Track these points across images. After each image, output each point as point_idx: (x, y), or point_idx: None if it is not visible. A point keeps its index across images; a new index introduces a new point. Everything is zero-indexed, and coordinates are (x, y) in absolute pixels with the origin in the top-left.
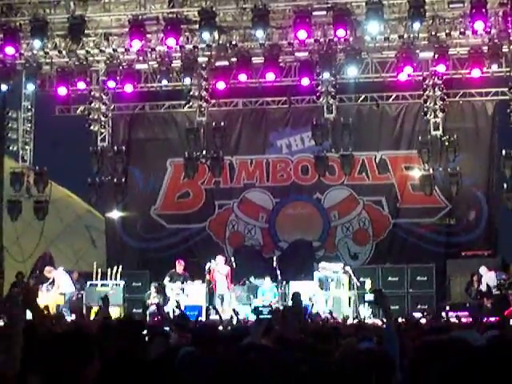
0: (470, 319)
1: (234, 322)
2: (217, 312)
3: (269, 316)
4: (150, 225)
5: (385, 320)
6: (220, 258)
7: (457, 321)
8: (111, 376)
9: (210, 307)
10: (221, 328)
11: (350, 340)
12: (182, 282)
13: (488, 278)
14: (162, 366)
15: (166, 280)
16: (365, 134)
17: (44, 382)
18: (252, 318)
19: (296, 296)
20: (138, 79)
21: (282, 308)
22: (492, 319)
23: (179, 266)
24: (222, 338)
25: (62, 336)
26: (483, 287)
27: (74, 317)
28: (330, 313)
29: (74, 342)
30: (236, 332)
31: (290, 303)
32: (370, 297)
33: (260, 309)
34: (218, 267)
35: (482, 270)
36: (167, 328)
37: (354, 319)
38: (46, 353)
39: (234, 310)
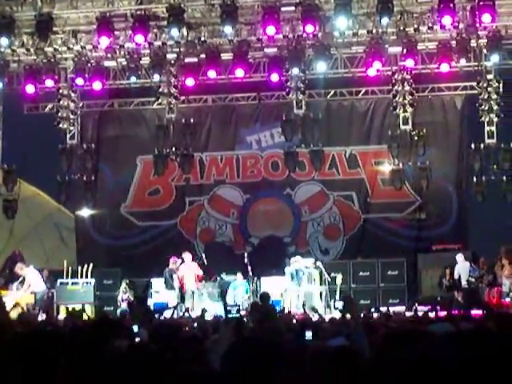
0: (444, 313)
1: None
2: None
3: (237, 315)
4: (121, 222)
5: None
6: (187, 255)
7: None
8: (78, 375)
9: (181, 305)
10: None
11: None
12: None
13: (462, 267)
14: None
15: (175, 278)
16: (334, 130)
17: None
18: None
19: (264, 297)
20: (107, 76)
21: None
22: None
23: (171, 263)
24: (184, 338)
25: (30, 337)
26: (456, 275)
27: (45, 316)
28: (304, 307)
29: (43, 342)
30: (200, 332)
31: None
32: (339, 304)
33: (228, 308)
34: (185, 266)
35: (459, 257)
36: (135, 326)
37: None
38: (14, 353)
39: (202, 310)
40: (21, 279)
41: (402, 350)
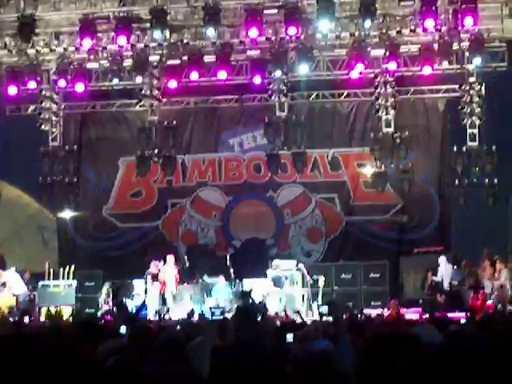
0: (426, 315)
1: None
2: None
3: (221, 317)
4: (103, 224)
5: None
6: (170, 258)
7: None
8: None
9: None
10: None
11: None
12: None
13: (444, 270)
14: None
15: (149, 281)
16: (317, 132)
17: None
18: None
19: (246, 295)
20: (89, 78)
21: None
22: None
23: (154, 267)
24: (166, 340)
25: (5, 340)
26: (439, 278)
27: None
28: (285, 310)
29: (15, 345)
30: (183, 334)
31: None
32: (324, 309)
33: (212, 310)
34: (167, 268)
35: (442, 260)
36: (123, 327)
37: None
38: None
39: (190, 311)
40: (1, 282)
41: (392, 353)
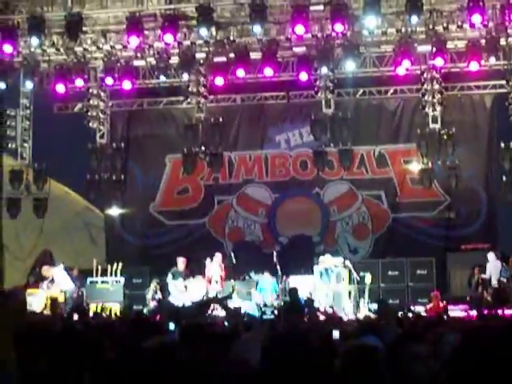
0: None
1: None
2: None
3: (272, 317)
4: (150, 221)
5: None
6: (218, 255)
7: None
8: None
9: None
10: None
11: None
12: (184, 279)
13: (493, 266)
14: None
15: (169, 278)
16: (363, 129)
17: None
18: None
19: (293, 292)
20: (136, 76)
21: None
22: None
23: (180, 264)
24: (215, 337)
25: (58, 337)
26: (487, 274)
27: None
28: (332, 308)
29: (72, 342)
30: (231, 330)
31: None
32: (373, 306)
33: (263, 309)
34: (214, 265)
35: (490, 256)
36: (172, 324)
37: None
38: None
39: (237, 308)
40: (50, 278)
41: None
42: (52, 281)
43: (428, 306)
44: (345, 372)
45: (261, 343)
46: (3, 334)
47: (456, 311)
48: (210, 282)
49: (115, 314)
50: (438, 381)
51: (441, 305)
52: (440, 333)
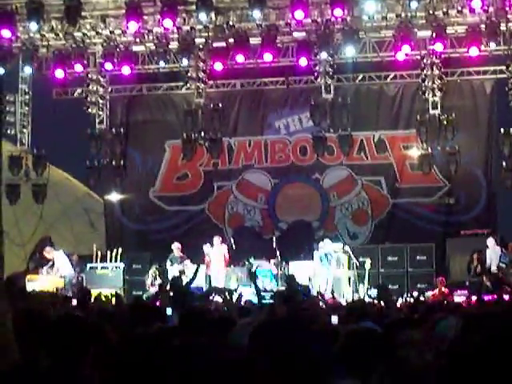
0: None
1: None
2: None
3: (271, 301)
4: (149, 207)
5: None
6: (216, 239)
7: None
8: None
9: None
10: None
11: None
12: (180, 265)
13: (492, 252)
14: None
15: (168, 264)
16: (363, 114)
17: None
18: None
19: (291, 279)
20: (136, 61)
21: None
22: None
23: (176, 249)
24: (215, 322)
25: (59, 322)
26: (488, 260)
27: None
28: (332, 292)
29: (72, 328)
30: (230, 315)
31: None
32: (372, 292)
33: (262, 293)
34: (214, 249)
35: (490, 242)
36: (169, 309)
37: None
38: (43, 339)
39: (239, 295)
40: (50, 264)
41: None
42: (52, 266)
43: (433, 292)
44: (343, 356)
45: (257, 328)
46: (3, 319)
47: (455, 297)
48: (208, 267)
49: (111, 300)
50: (432, 368)
51: (443, 289)
52: (438, 318)
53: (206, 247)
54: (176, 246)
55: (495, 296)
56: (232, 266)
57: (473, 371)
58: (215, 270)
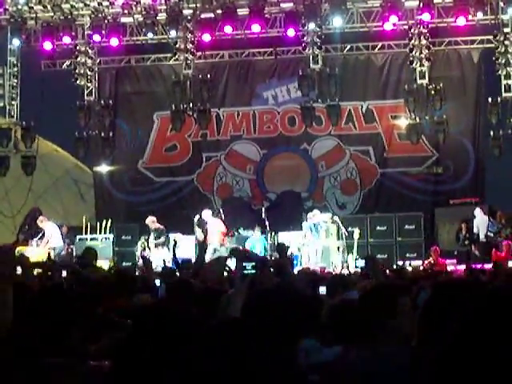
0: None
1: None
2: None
3: (253, 271)
4: (138, 178)
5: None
6: (206, 212)
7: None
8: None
9: None
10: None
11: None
12: (157, 238)
13: (480, 221)
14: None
15: (152, 238)
16: (351, 84)
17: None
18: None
19: (281, 247)
20: (124, 33)
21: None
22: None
23: (150, 223)
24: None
25: (49, 291)
26: (475, 229)
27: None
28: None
29: (60, 299)
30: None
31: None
32: (361, 262)
33: (244, 264)
34: (209, 220)
35: (477, 211)
36: (158, 281)
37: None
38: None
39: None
40: (40, 235)
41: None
42: (42, 237)
43: (427, 261)
44: (330, 325)
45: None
46: (8, 281)
47: None
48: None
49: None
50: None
51: (439, 259)
52: (420, 287)
53: (206, 213)
54: (150, 220)
55: (483, 265)
56: (226, 239)
57: (438, 343)
58: (212, 242)
